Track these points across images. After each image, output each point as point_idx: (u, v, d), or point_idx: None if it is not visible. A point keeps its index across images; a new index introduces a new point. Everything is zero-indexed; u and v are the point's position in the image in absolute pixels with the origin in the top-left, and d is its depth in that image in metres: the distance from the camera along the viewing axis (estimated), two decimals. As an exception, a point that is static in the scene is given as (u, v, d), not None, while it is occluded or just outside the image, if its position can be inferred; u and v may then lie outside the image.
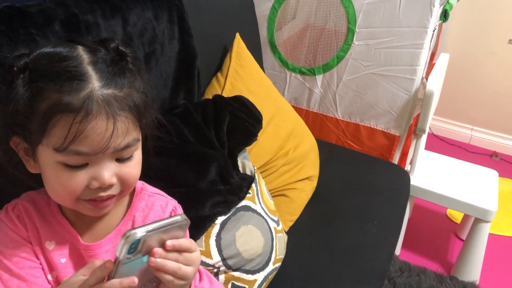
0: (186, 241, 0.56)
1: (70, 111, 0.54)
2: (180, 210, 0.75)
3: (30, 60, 0.57)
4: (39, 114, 0.55)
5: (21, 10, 0.86)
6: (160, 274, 0.55)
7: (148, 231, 0.51)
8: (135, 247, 0.51)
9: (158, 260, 0.54)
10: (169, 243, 0.54)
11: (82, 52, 0.59)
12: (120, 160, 0.60)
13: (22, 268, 0.62)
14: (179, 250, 0.56)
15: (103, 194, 0.60)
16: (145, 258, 0.54)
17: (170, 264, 0.55)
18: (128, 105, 0.58)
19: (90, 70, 0.56)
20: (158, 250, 0.54)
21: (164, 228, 0.53)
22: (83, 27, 0.94)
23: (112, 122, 0.56)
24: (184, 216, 0.55)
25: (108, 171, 0.58)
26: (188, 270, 0.56)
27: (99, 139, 0.55)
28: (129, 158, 0.61)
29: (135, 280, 0.52)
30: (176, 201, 0.76)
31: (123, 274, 0.52)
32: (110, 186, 0.60)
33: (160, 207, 0.73)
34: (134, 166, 0.62)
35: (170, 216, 0.55)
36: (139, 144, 0.63)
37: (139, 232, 0.50)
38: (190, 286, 0.62)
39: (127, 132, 0.58)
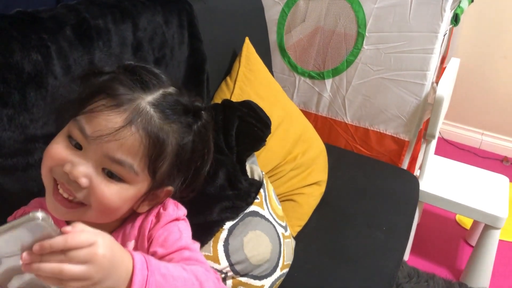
0: (59, 239, 0.47)
1: (110, 95, 0.58)
2: (172, 206, 0.72)
3: (136, 65, 0.65)
4: (95, 85, 0.61)
5: (32, 15, 0.86)
6: (42, 279, 0.48)
7: None
8: None
9: (27, 265, 0.47)
10: (35, 247, 0.47)
11: (167, 84, 0.64)
12: (106, 172, 0.59)
13: None
14: (54, 251, 0.47)
15: (65, 182, 0.59)
16: None
17: (46, 267, 0.47)
18: (152, 135, 0.58)
19: (157, 92, 0.61)
20: (24, 256, 0.47)
21: (6, 230, 0.46)
22: (94, 32, 0.95)
23: (124, 126, 0.56)
24: (40, 214, 0.46)
25: (85, 169, 0.58)
26: (77, 269, 0.47)
27: (102, 127, 0.57)
28: (113, 179, 0.59)
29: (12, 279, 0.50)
30: (170, 199, 0.73)
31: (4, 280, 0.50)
32: (77, 184, 0.58)
33: None
34: (111, 191, 0.59)
35: (20, 217, 0.47)
36: (134, 179, 0.60)
37: None
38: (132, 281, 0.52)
39: (129, 149, 0.57)
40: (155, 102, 0.59)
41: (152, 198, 0.67)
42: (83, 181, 0.58)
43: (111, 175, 0.59)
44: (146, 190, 0.63)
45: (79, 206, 0.61)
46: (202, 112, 0.65)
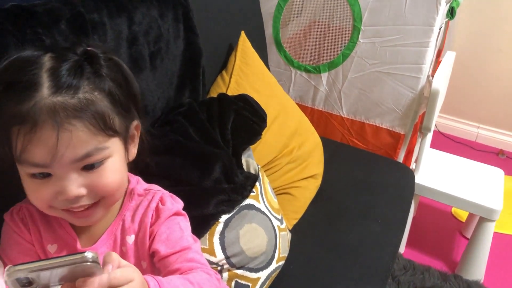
0: (104, 279, 0.48)
1: (19, 122, 0.54)
2: (169, 199, 0.73)
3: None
4: (1, 126, 0.55)
5: (27, 9, 0.86)
6: None
7: (32, 270, 0.47)
8: (28, 283, 0.48)
9: None
10: (79, 283, 0.48)
11: (47, 59, 0.57)
12: (87, 168, 0.58)
13: None
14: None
15: (74, 205, 0.59)
16: None
17: None
18: (83, 112, 0.55)
19: (44, 78, 0.55)
20: None
21: (54, 267, 0.47)
22: (89, 26, 0.94)
23: (59, 133, 0.54)
24: (91, 254, 0.47)
25: (72, 184, 0.57)
26: None
27: (47, 151, 0.54)
28: (97, 166, 0.59)
29: None
30: (166, 192, 0.74)
31: None
32: (79, 198, 0.59)
33: (147, 202, 0.71)
34: (105, 174, 0.60)
35: (71, 254, 0.48)
36: (110, 151, 0.60)
37: (19, 272, 0.47)
38: None
39: (82, 142, 0.56)
40: (54, 91, 0.54)
41: (131, 141, 0.67)
42: (82, 191, 0.58)
43: (92, 166, 0.59)
44: (124, 144, 0.64)
45: (96, 205, 0.62)
46: (94, 52, 0.60)
